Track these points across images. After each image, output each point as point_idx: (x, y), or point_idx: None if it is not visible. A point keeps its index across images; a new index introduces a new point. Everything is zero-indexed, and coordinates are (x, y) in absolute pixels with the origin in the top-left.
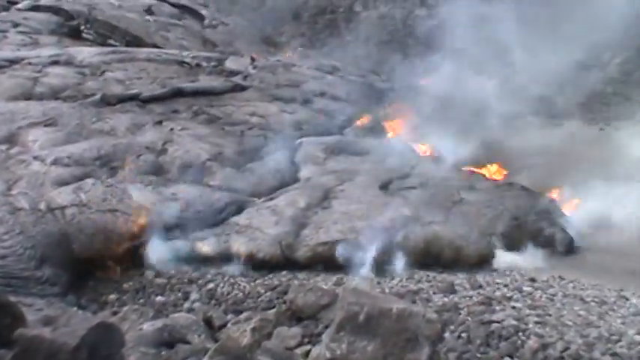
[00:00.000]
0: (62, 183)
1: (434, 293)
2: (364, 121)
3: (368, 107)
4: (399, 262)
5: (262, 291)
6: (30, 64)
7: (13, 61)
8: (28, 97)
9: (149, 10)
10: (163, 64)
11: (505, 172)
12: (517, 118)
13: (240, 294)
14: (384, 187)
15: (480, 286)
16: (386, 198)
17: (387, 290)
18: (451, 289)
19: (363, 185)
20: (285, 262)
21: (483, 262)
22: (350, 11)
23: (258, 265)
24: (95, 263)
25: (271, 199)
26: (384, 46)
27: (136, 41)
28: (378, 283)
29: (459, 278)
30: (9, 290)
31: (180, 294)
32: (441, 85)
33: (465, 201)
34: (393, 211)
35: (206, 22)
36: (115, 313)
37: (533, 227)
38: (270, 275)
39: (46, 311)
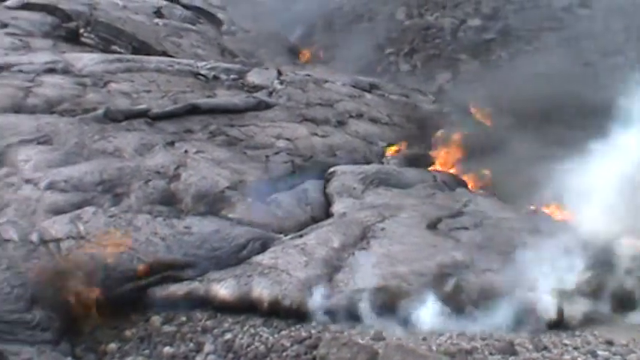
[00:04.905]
0: (57, 211)
1: (490, 354)
2: (407, 147)
3: (412, 132)
4: (449, 315)
5: (288, 344)
6: (21, 71)
7: (1, 68)
8: (18, 109)
9: (159, 13)
10: (176, 75)
11: (570, 212)
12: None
13: (262, 347)
14: (432, 226)
15: (545, 348)
16: (434, 239)
17: (434, 348)
18: (511, 350)
19: (408, 224)
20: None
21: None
22: (391, 19)
23: (283, 313)
24: (94, 306)
25: (300, 236)
26: (431, 61)
27: (143, 48)
28: (424, 339)
29: (520, 337)
30: None
31: (192, 345)
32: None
33: (527, 246)
34: (442, 255)
35: (224, 27)
36: None
37: (611, 279)
38: (298, 326)
39: None
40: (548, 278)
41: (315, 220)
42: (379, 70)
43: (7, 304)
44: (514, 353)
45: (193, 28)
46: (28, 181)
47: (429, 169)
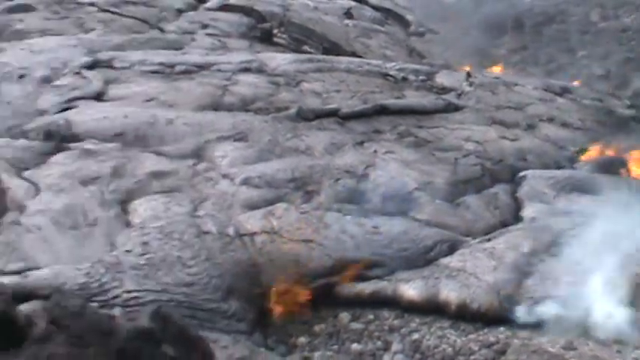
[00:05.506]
0: (252, 206)
1: None
2: (601, 153)
3: (606, 137)
4: None
5: (476, 348)
6: (219, 70)
7: (202, 67)
8: (216, 107)
9: (348, 14)
10: (365, 76)
11: None
12: None
13: (450, 349)
14: (627, 235)
15: None
16: (630, 249)
17: None
18: None
19: (601, 232)
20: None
21: None
22: (585, 21)
23: (470, 316)
24: (285, 299)
25: (489, 240)
26: (627, 64)
27: (334, 48)
28: (619, 351)
29: None
30: (194, 323)
31: (379, 343)
32: None
33: None
34: (638, 267)
35: (412, 28)
36: (305, 359)
37: None
38: (485, 330)
39: (232, 350)
40: None
41: (504, 224)
42: (571, 73)
43: (206, 294)
44: None
45: (382, 29)
46: (225, 176)
47: (624, 176)
